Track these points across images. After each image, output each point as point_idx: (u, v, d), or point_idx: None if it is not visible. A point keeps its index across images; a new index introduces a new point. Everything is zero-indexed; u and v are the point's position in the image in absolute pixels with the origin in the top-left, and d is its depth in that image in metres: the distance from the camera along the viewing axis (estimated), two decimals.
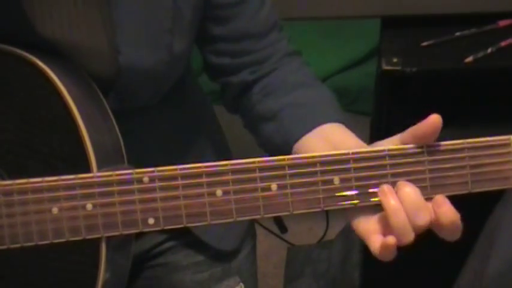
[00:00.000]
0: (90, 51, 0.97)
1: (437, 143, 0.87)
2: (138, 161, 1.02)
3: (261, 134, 1.07)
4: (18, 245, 0.89)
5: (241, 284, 1.13)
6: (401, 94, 1.52)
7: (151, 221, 0.88)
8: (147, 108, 1.06)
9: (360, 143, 0.96)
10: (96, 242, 0.89)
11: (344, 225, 2.02)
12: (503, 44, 1.52)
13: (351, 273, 1.89)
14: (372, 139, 1.62)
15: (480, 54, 1.49)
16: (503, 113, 1.52)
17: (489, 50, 1.50)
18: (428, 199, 0.85)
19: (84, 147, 0.89)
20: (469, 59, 1.49)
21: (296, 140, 1.00)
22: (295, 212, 0.88)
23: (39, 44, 0.95)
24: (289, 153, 1.00)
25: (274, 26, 1.10)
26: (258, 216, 0.88)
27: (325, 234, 2.14)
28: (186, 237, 1.13)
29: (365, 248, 1.74)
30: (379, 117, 1.55)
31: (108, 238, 0.89)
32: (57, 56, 0.96)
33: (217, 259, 1.14)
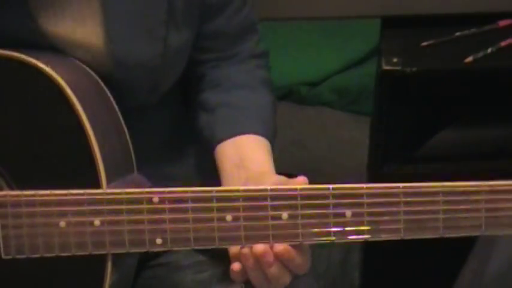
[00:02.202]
0: (87, 44, 0.97)
1: (454, 183, 0.86)
2: (138, 162, 1.02)
3: (196, 121, 1.09)
4: (24, 256, 0.88)
5: (242, 284, 1.13)
6: (401, 94, 1.52)
7: (159, 241, 0.87)
8: (146, 109, 1.06)
9: (266, 161, 0.99)
10: (101, 257, 0.88)
11: None
12: (503, 44, 1.51)
13: (351, 273, 1.89)
14: (372, 139, 1.63)
15: (480, 54, 1.49)
16: (503, 113, 1.52)
17: (489, 50, 1.50)
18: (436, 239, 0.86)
19: (94, 159, 0.88)
20: (469, 59, 1.49)
21: (219, 141, 1.03)
22: (305, 243, 0.88)
23: (44, 41, 0.95)
24: (211, 151, 1.04)
25: (249, 27, 1.12)
26: (267, 243, 0.87)
27: None
28: None
29: (365, 248, 1.74)
30: (379, 117, 1.55)
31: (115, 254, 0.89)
32: (64, 57, 0.96)
33: (218, 259, 1.14)
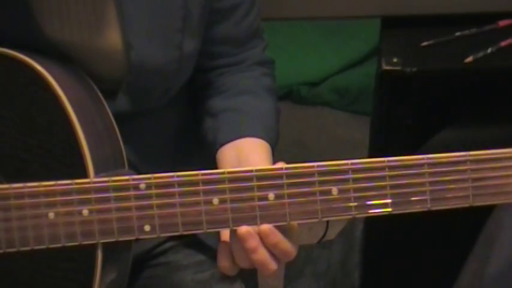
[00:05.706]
0: (101, 49, 0.98)
1: (438, 154, 0.85)
2: (145, 162, 1.02)
3: (201, 126, 1.09)
4: (14, 249, 0.88)
5: (242, 284, 1.13)
6: (401, 94, 1.52)
7: (147, 228, 0.87)
8: (154, 110, 1.07)
9: (263, 161, 0.98)
10: (91, 249, 0.88)
11: (344, 225, 2.02)
12: (503, 44, 1.52)
13: (351, 273, 1.89)
14: (372, 139, 1.63)
15: (480, 54, 1.49)
16: (503, 113, 1.52)
17: (489, 50, 1.50)
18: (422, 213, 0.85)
19: (81, 152, 0.88)
20: (469, 59, 1.49)
21: (221, 145, 1.02)
22: (292, 222, 0.87)
23: (48, 47, 0.95)
24: (214, 155, 1.03)
25: (255, 33, 1.12)
26: (254, 226, 0.87)
27: (325, 234, 2.14)
28: (186, 238, 1.12)
29: (365, 248, 1.74)
30: (379, 117, 1.55)
31: (106, 246, 0.88)
32: (62, 59, 0.96)
33: None
